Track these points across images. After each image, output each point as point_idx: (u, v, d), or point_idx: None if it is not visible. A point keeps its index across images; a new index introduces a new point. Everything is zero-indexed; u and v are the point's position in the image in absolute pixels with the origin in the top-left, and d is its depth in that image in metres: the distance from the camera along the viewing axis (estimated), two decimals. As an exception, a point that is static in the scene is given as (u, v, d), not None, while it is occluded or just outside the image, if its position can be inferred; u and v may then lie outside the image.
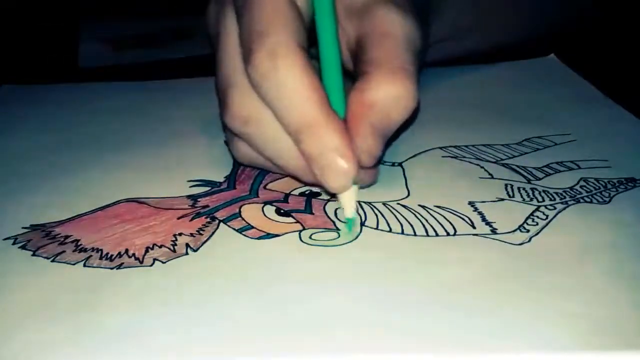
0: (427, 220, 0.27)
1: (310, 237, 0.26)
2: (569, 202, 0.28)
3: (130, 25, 0.53)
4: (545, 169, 0.31)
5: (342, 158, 0.25)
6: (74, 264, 0.25)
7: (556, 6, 0.46)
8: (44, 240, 0.27)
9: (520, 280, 0.24)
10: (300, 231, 0.27)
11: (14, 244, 0.27)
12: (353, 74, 0.29)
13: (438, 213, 0.28)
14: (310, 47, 0.27)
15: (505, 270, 0.24)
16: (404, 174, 0.31)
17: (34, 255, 0.26)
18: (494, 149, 0.33)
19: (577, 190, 0.29)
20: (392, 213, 0.28)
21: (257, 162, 0.29)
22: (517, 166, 0.31)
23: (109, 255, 0.26)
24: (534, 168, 0.31)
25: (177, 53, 0.48)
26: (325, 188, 0.27)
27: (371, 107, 0.26)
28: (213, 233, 0.27)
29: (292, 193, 0.30)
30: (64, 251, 0.26)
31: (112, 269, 0.25)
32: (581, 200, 0.28)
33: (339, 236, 0.26)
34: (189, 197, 0.30)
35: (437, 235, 0.26)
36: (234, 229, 0.27)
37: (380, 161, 0.29)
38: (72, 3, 0.55)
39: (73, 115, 0.39)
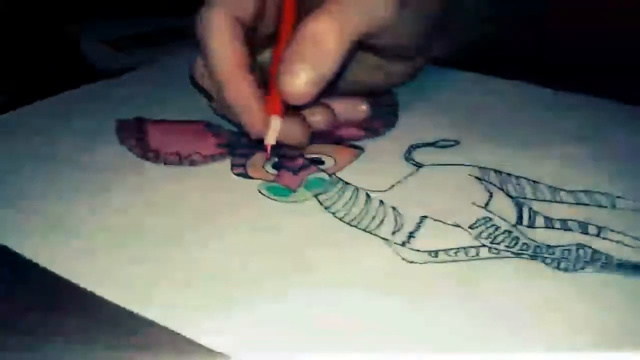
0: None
1: (265, 189, 0.30)
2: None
3: (130, 26, 0.53)
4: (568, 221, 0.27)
5: (256, 105, 0.29)
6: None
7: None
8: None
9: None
10: (266, 181, 0.30)
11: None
12: None
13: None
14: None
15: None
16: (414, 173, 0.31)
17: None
18: (538, 189, 0.30)
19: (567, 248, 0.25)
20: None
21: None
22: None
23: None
24: (558, 220, 0.28)
25: (178, 53, 0.46)
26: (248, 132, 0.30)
27: (304, 37, 0.28)
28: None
29: (306, 157, 0.32)
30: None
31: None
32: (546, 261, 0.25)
33: (288, 196, 0.29)
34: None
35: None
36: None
37: (309, 105, 0.30)
38: (73, 4, 0.55)
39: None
